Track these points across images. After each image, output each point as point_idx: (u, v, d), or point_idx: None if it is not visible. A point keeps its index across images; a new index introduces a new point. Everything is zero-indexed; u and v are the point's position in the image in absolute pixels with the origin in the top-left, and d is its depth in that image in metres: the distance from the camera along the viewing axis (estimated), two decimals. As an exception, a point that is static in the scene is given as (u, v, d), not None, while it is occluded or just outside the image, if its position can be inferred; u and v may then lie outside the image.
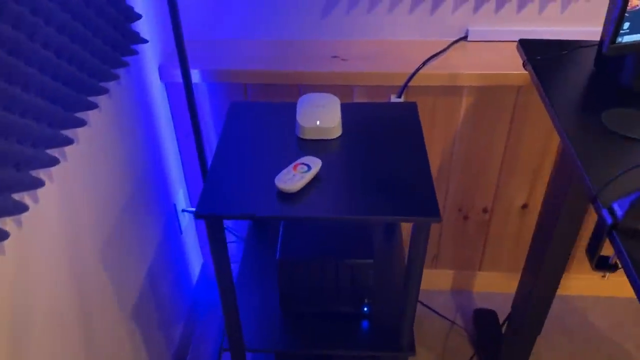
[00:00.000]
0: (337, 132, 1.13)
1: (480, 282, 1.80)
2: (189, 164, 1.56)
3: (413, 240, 1.00)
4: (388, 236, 1.38)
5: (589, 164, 0.85)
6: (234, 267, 1.74)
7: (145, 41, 1.11)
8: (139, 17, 1.11)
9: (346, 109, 1.21)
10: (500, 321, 1.73)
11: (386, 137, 1.13)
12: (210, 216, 0.95)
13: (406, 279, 1.04)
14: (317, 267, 1.12)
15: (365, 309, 1.18)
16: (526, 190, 1.56)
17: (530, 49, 1.16)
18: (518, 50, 1.19)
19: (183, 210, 1.57)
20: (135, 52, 1.11)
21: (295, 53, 1.40)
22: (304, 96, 1.19)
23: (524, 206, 1.59)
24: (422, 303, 1.79)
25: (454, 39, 1.43)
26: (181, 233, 1.57)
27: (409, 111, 1.20)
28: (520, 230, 1.65)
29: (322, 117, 1.13)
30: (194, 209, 1.65)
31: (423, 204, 0.95)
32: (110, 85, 1.09)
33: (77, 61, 0.92)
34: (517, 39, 1.41)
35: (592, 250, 0.79)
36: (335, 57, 1.40)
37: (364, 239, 1.16)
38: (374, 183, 1.00)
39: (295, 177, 1.00)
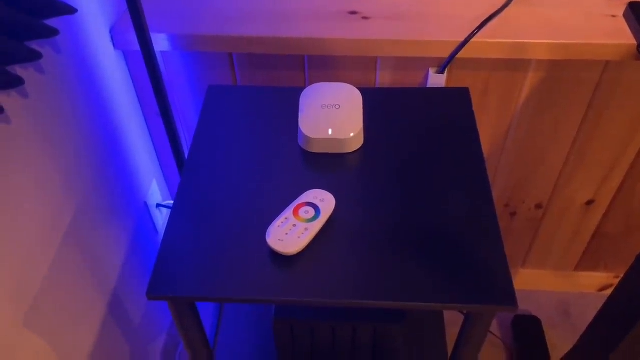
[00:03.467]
0: (357, 144, 0.79)
1: (521, 280, 1.50)
2: (164, 149, 1.23)
3: (467, 328, 0.68)
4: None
5: None
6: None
7: (73, 11, 0.74)
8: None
9: (367, 98, 0.86)
10: (545, 330, 1.45)
11: (427, 149, 0.78)
12: (166, 299, 0.64)
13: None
14: (327, 331, 0.81)
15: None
16: (594, 185, 1.22)
17: (646, 18, 0.78)
18: (627, 20, 0.80)
19: (158, 206, 1.25)
20: (56, 32, 0.75)
21: (298, 7, 1.02)
22: (310, 88, 0.83)
23: (589, 202, 1.26)
24: (450, 303, 1.50)
25: (517, -13, 1.04)
26: (157, 233, 1.26)
27: (458, 102, 0.85)
28: (579, 227, 1.33)
29: (337, 124, 0.78)
30: (172, 202, 1.32)
31: (490, 282, 0.63)
32: (41, 63, 0.74)
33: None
34: (606, -11, 1.02)
35: None
36: (353, 13, 1.02)
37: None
38: (415, 239, 0.67)
39: (296, 229, 0.67)
